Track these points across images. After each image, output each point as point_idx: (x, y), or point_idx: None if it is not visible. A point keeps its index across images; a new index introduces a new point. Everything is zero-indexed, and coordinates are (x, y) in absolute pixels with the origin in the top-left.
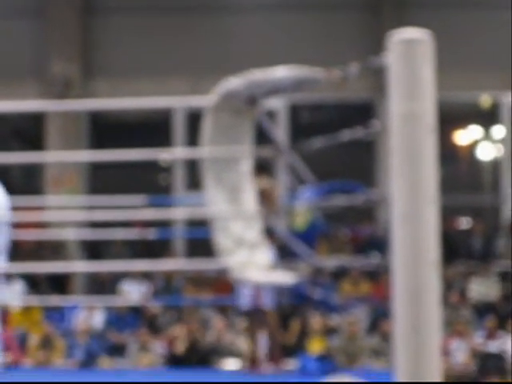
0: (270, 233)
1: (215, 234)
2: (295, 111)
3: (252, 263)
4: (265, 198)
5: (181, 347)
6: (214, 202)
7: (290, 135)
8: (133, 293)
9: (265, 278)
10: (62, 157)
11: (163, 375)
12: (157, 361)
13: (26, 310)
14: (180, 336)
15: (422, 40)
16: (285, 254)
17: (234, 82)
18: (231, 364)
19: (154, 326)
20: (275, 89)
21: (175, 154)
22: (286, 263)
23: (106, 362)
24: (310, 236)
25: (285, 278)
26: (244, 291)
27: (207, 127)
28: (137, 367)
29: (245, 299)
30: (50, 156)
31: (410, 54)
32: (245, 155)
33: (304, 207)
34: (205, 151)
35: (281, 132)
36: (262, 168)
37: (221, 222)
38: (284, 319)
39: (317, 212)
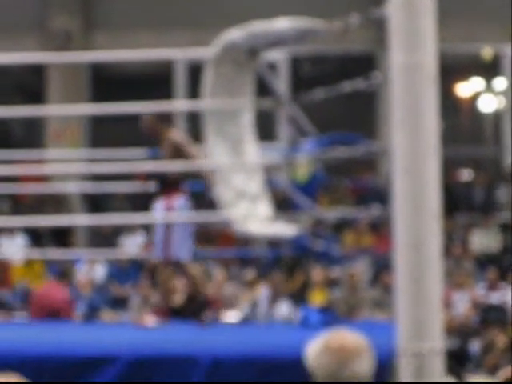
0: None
1: (217, 186)
2: (296, 63)
3: (253, 215)
4: (179, 150)
5: (179, 300)
6: (216, 154)
7: (291, 87)
8: (134, 246)
9: (266, 230)
10: (63, 110)
11: (165, 330)
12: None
13: (29, 264)
14: (179, 289)
15: None
16: (286, 206)
17: (235, 34)
18: (235, 316)
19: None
20: (276, 40)
21: (176, 106)
22: (287, 215)
23: (108, 315)
24: (311, 188)
25: (286, 229)
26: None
27: (208, 79)
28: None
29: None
30: (52, 109)
31: (411, 5)
32: (246, 107)
33: (305, 159)
34: (206, 103)
35: (282, 84)
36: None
37: (222, 174)
38: (286, 271)
39: (318, 164)
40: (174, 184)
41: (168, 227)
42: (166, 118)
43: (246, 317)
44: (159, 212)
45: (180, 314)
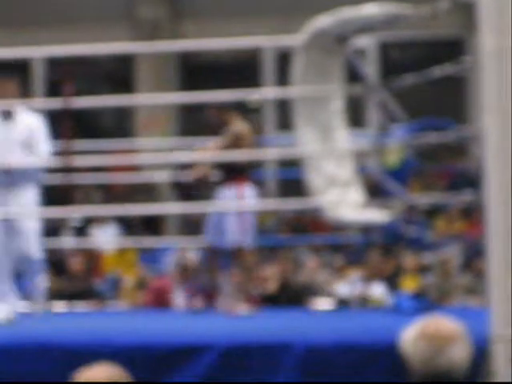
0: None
1: (308, 173)
2: (385, 49)
3: (345, 202)
4: (239, 141)
5: (273, 287)
6: (306, 141)
7: (380, 73)
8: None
9: (358, 216)
10: (152, 99)
11: (259, 318)
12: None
13: (121, 253)
14: (272, 276)
15: None
16: (378, 193)
17: (324, 21)
18: (327, 303)
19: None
20: (365, 26)
21: (265, 94)
22: (379, 202)
23: (198, 303)
24: (402, 174)
25: (378, 216)
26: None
27: (298, 66)
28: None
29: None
30: (141, 98)
31: None
32: (336, 94)
33: (396, 145)
34: (296, 91)
35: (371, 70)
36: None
37: (313, 161)
38: (378, 257)
39: (409, 150)
40: (242, 172)
41: (241, 214)
42: (230, 108)
43: (338, 303)
44: (230, 200)
45: (274, 302)
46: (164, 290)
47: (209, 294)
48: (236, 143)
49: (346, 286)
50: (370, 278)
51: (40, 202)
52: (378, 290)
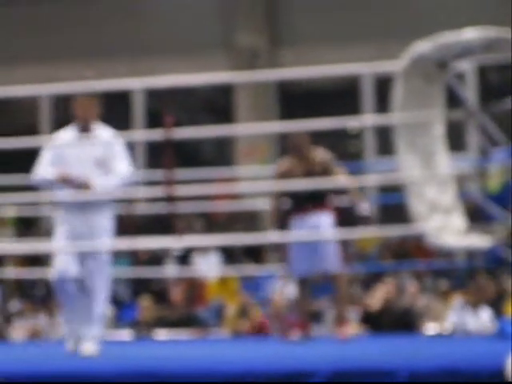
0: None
1: (410, 199)
2: (484, 72)
3: (447, 227)
4: (326, 169)
5: (376, 305)
6: (408, 167)
7: (479, 96)
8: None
9: (461, 242)
10: (252, 129)
11: (362, 343)
12: (354, 328)
13: (223, 281)
14: (378, 297)
15: None
16: (479, 218)
17: (423, 46)
18: (431, 328)
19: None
20: (465, 51)
21: (365, 120)
22: (481, 227)
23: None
24: (504, 198)
25: (481, 241)
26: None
27: (398, 92)
28: (335, 335)
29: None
30: (241, 128)
31: None
32: (437, 119)
33: (497, 169)
34: (396, 116)
35: (470, 93)
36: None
37: (415, 187)
38: (481, 282)
39: (510, 174)
40: (326, 200)
41: (334, 241)
42: (311, 138)
43: (443, 329)
44: (324, 226)
45: (376, 323)
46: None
47: (303, 324)
48: (324, 171)
49: (455, 312)
50: (476, 303)
51: (114, 228)
52: (484, 316)
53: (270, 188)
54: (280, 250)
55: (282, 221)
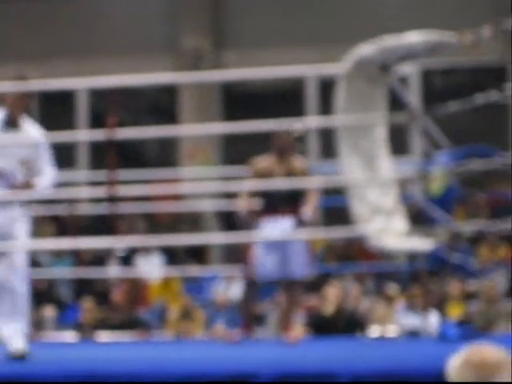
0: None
1: (352, 202)
2: (428, 76)
3: (389, 230)
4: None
5: (330, 309)
6: (350, 169)
7: (423, 100)
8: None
9: (402, 244)
10: (196, 130)
11: (307, 346)
12: (298, 330)
13: (166, 282)
14: (329, 299)
15: None
16: (422, 220)
17: (366, 49)
18: (374, 331)
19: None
20: (408, 54)
21: (308, 123)
22: (423, 229)
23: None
24: (446, 201)
25: (422, 244)
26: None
27: (341, 95)
28: (279, 337)
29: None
30: (185, 129)
31: None
32: (379, 122)
33: (440, 172)
34: (339, 119)
35: (414, 97)
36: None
37: (357, 189)
38: (423, 285)
39: (453, 177)
40: (299, 204)
41: (302, 243)
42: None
43: (387, 332)
44: (290, 228)
45: (330, 326)
46: None
47: (247, 325)
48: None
49: (399, 315)
50: (424, 306)
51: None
52: (432, 319)
53: (214, 189)
54: (242, 251)
55: (251, 220)
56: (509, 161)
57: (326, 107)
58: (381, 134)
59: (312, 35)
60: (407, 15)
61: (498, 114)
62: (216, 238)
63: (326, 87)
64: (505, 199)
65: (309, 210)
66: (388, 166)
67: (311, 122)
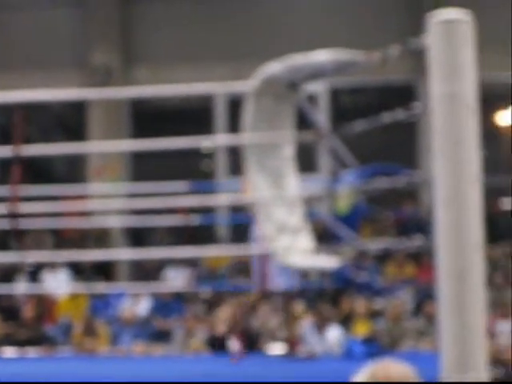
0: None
1: (259, 219)
2: (336, 94)
3: (295, 248)
4: None
5: (222, 328)
6: (257, 187)
7: (331, 119)
8: (177, 279)
9: (308, 262)
10: (104, 147)
11: (208, 360)
12: (203, 347)
13: (73, 298)
14: (223, 319)
15: (461, 20)
16: (328, 238)
17: (274, 67)
18: (280, 349)
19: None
20: (315, 73)
21: (217, 140)
22: (329, 247)
23: (152, 349)
24: (353, 219)
25: (328, 261)
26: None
27: (248, 113)
28: (183, 353)
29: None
30: (93, 146)
31: (450, 34)
32: (287, 140)
33: (346, 190)
34: (247, 137)
35: (322, 115)
36: None
37: (263, 208)
38: (330, 302)
39: (360, 195)
40: None
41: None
42: None
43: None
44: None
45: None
46: None
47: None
48: None
49: (305, 333)
50: (322, 323)
51: None
52: (331, 336)
53: (122, 205)
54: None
55: None
56: (415, 179)
57: (235, 124)
58: (288, 152)
59: (223, 51)
60: (317, 33)
61: (406, 133)
62: (123, 254)
63: (235, 104)
64: (411, 217)
65: None
66: (295, 185)
67: (220, 139)
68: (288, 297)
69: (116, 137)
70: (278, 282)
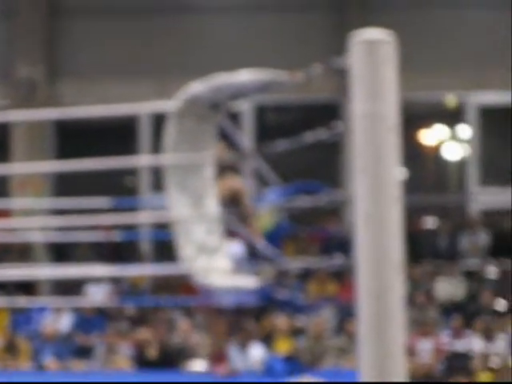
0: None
1: (178, 239)
2: (260, 112)
3: (214, 268)
4: (236, 198)
5: (152, 350)
6: (177, 207)
7: (255, 137)
8: (98, 294)
9: (227, 282)
10: (27, 166)
11: (132, 377)
12: (125, 363)
13: None
14: (149, 339)
15: (383, 40)
16: (250, 256)
17: (196, 87)
18: (197, 365)
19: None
20: (238, 93)
21: (141, 160)
22: (250, 265)
23: (74, 365)
24: (275, 238)
25: (247, 281)
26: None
27: (170, 132)
28: (105, 370)
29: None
30: (16, 166)
31: (372, 54)
32: (208, 161)
33: (268, 209)
34: (168, 157)
35: (246, 134)
36: (232, 168)
37: (183, 227)
38: (251, 320)
39: (281, 213)
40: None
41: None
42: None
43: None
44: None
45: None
46: None
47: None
48: (232, 200)
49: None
50: (244, 341)
51: None
52: (256, 353)
53: (44, 221)
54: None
55: None
56: (337, 197)
57: (160, 143)
58: (209, 172)
59: (149, 69)
60: (243, 52)
61: (329, 152)
62: (45, 270)
63: (161, 123)
64: (334, 235)
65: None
66: (215, 205)
67: (143, 159)
68: (237, 313)
69: (39, 153)
70: (227, 298)
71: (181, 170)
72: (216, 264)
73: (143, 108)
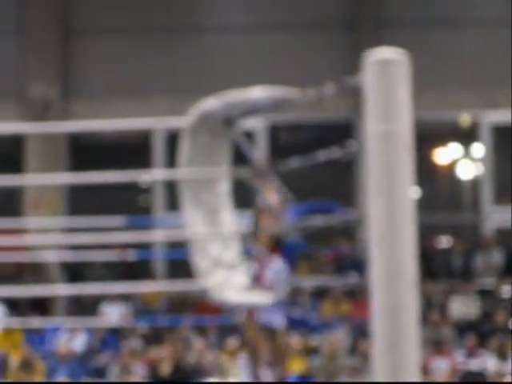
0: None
1: (193, 255)
2: (274, 131)
3: (230, 284)
4: (271, 214)
5: (166, 369)
6: (192, 223)
7: (269, 154)
8: (114, 315)
9: (243, 298)
10: (41, 180)
11: None
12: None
13: (8, 333)
14: (164, 357)
15: (397, 60)
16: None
17: (210, 103)
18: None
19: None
20: (251, 109)
21: (154, 175)
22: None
23: None
24: (290, 256)
25: (262, 298)
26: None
27: (184, 148)
28: None
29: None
30: (30, 179)
31: (386, 74)
32: (222, 176)
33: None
34: (182, 173)
35: (259, 151)
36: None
37: (199, 243)
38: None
39: (297, 232)
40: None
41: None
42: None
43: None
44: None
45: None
46: None
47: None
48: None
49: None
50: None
51: None
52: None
53: (59, 240)
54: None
55: None
56: (351, 217)
57: (173, 159)
58: (224, 188)
59: (161, 87)
60: (255, 69)
61: (343, 171)
62: (59, 289)
63: (174, 139)
64: (348, 255)
65: None
66: (230, 220)
67: (157, 174)
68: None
69: (54, 170)
70: (269, 317)
71: (195, 185)
72: (232, 280)
73: (157, 123)
